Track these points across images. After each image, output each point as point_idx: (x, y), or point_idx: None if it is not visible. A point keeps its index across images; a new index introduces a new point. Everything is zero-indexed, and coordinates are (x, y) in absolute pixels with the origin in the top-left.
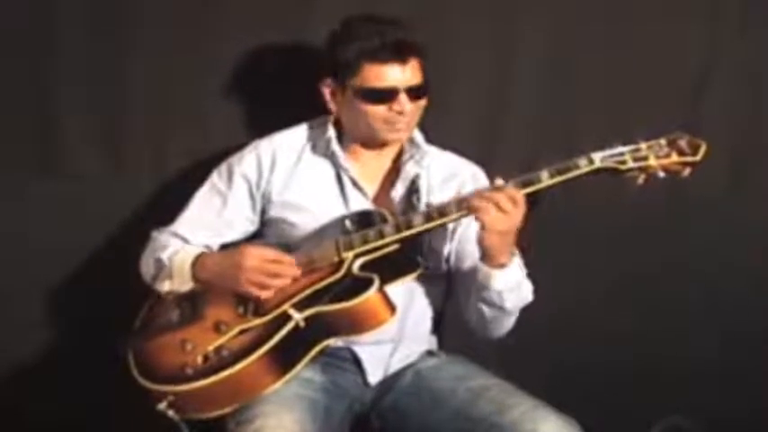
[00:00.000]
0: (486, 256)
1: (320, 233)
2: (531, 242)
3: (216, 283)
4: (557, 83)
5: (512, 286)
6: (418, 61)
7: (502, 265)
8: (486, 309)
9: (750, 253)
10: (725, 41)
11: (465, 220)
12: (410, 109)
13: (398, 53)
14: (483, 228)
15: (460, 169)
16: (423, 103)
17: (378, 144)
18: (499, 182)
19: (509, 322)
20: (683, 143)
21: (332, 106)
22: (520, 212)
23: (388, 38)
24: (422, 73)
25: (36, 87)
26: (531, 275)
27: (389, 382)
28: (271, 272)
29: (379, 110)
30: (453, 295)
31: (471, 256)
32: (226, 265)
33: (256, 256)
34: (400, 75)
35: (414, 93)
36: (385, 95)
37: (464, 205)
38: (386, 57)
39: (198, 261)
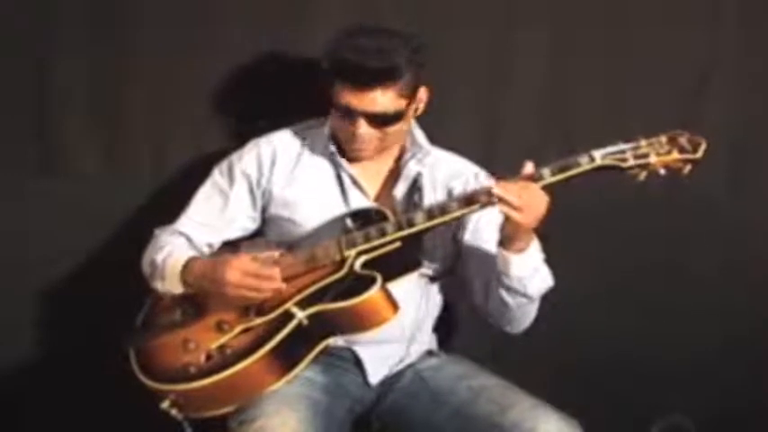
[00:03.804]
0: (504, 241)
1: (321, 231)
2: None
3: (203, 291)
4: (557, 84)
5: (531, 271)
6: (392, 90)
7: (520, 250)
8: (509, 297)
9: (750, 252)
10: (725, 42)
11: (472, 218)
12: (368, 133)
13: (362, 79)
14: (507, 219)
15: (463, 170)
16: (392, 129)
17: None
18: (529, 168)
19: (532, 310)
20: (683, 140)
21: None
22: (540, 201)
23: (358, 60)
24: (397, 99)
25: (36, 87)
26: None
27: (390, 382)
28: (251, 287)
29: (341, 125)
30: (470, 294)
31: (487, 251)
32: (210, 276)
33: (238, 270)
34: (361, 100)
35: (376, 119)
36: (345, 114)
37: (481, 198)
38: (349, 79)
39: (187, 266)
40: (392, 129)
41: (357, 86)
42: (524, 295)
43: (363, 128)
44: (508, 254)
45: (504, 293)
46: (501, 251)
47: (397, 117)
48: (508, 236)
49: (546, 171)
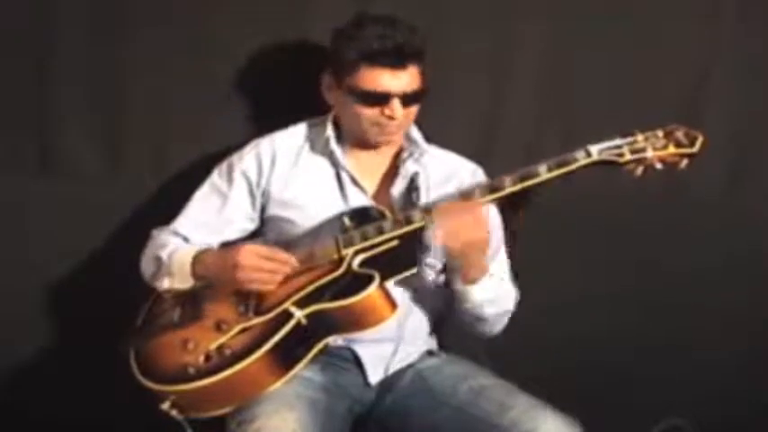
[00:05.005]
0: (455, 269)
1: (319, 231)
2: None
3: (215, 281)
4: (556, 81)
5: (487, 299)
6: (418, 67)
7: (473, 281)
8: (465, 317)
9: (750, 252)
10: (724, 41)
11: None
12: (402, 114)
13: (397, 59)
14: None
15: (460, 168)
16: (415, 108)
17: (370, 144)
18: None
19: (498, 324)
20: (680, 134)
21: (328, 100)
22: (477, 224)
23: (389, 42)
24: (420, 79)
25: (36, 87)
26: (531, 276)
27: (389, 381)
28: (267, 269)
29: (370, 112)
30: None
31: None
32: (223, 264)
33: (252, 253)
34: (396, 81)
35: (408, 99)
36: (378, 99)
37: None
38: (384, 61)
39: (197, 258)
40: (416, 108)
41: (395, 67)
42: (479, 318)
43: (398, 109)
44: (462, 286)
45: (461, 313)
46: (454, 278)
47: (424, 93)
48: (456, 263)
49: (542, 167)
